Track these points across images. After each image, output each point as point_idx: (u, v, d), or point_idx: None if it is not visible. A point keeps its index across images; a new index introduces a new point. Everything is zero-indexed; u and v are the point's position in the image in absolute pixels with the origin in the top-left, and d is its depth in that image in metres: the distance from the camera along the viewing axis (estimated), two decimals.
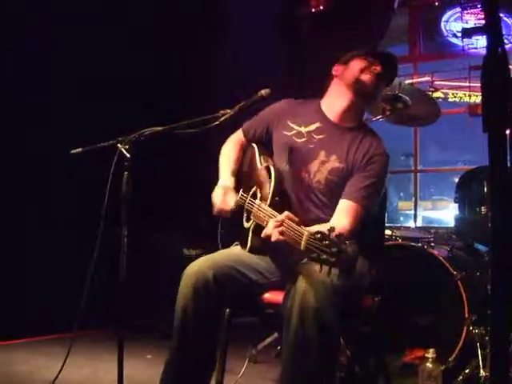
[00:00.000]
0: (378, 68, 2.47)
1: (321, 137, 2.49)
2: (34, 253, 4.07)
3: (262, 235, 2.13)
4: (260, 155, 2.57)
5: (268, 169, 2.44)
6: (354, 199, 2.35)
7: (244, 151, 2.72)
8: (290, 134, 2.52)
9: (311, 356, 2.01)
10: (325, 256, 1.79)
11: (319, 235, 1.83)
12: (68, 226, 4.27)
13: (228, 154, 2.70)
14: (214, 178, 2.64)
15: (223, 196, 2.49)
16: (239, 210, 2.47)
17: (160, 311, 3.89)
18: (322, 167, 2.45)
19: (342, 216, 2.33)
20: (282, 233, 2.03)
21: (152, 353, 3.70)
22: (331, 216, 2.37)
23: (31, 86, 4.11)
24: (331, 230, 1.84)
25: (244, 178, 2.63)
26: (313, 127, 2.51)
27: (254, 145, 2.63)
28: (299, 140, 2.50)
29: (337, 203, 2.38)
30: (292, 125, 2.54)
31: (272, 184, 2.35)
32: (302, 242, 1.88)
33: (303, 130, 2.51)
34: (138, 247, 4.33)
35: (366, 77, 2.46)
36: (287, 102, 2.65)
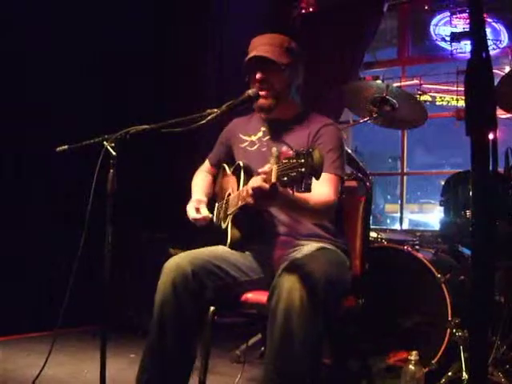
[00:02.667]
0: (257, 75, 2.48)
1: (268, 137, 2.62)
2: (15, 251, 4.03)
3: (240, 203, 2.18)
4: (230, 167, 2.73)
5: (237, 166, 2.57)
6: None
7: (215, 177, 2.89)
8: (244, 145, 2.69)
9: (296, 355, 2.02)
10: (294, 173, 1.81)
11: (285, 159, 1.86)
12: (52, 224, 4.24)
13: (199, 181, 2.87)
14: None
15: (196, 205, 2.62)
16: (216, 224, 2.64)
17: (144, 310, 3.87)
18: None
19: (321, 187, 2.31)
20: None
21: (135, 351, 3.68)
22: None
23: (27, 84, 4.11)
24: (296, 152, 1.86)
25: (218, 194, 2.79)
26: (260, 133, 2.66)
27: (224, 164, 2.79)
28: (253, 148, 2.65)
29: None
30: (244, 137, 2.70)
31: (242, 172, 2.48)
32: (273, 176, 1.90)
33: (253, 138, 2.67)
34: (124, 246, 4.32)
35: (255, 91, 2.49)
36: (236, 119, 2.82)
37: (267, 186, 1.97)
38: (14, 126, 4.04)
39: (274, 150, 2.02)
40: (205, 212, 2.58)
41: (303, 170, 1.79)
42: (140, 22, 4.79)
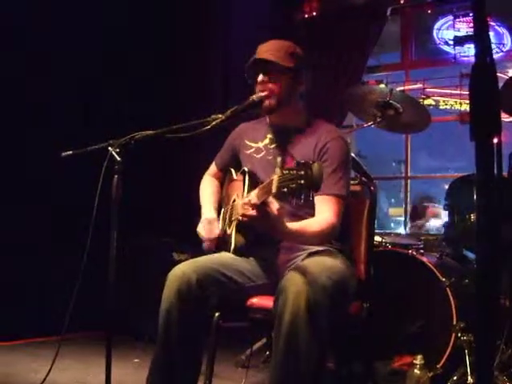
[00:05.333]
0: (259, 77, 2.49)
1: (274, 145, 2.61)
2: (21, 255, 4.04)
3: (241, 211, 2.18)
4: (236, 172, 2.72)
5: (243, 172, 2.57)
6: (325, 191, 2.32)
7: (222, 182, 2.87)
8: (250, 152, 2.67)
9: (301, 360, 2.02)
10: (294, 184, 1.82)
11: (286, 171, 1.87)
12: (57, 228, 4.25)
13: (207, 188, 2.85)
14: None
15: (208, 226, 2.60)
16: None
17: (148, 315, 3.87)
18: None
19: (323, 210, 2.36)
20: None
21: (140, 356, 3.69)
22: (307, 213, 2.40)
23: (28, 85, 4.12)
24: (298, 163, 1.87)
25: (224, 199, 2.77)
26: (267, 140, 2.64)
27: (231, 168, 2.78)
28: (259, 155, 2.63)
29: None
30: (250, 143, 2.69)
31: (247, 178, 2.48)
32: (273, 187, 1.91)
33: (260, 145, 2.65)
34: (128, 250, 4.32)
35: (259, 96, 2.48)
36: (243, 124, 2.80)
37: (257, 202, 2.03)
38: (14, 130, 4.06)
39: (279, 160, 2.03)
40: (217, 231, 2.59)
41: (302, 181, 1.80)
42: (140, 22, 4.80)
